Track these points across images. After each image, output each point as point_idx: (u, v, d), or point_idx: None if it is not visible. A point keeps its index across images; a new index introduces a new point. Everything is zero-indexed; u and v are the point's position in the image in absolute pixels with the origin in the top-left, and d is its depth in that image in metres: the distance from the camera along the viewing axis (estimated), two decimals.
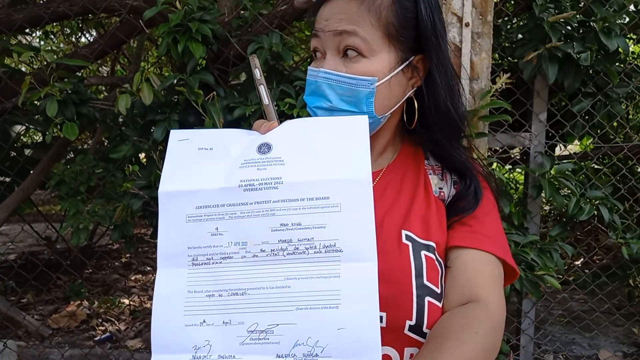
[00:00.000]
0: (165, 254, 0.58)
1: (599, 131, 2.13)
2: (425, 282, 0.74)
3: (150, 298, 3.62)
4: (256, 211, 0.56)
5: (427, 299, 0.73)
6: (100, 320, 3.18)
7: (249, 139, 0.61)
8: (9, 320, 2.48)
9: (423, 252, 0.75)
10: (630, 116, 3.80)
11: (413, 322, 0.72)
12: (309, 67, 0.80)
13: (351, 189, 0.55)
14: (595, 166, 2.79)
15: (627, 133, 2.94)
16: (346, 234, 0.53)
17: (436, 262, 0.76)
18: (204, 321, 0.53)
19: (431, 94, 0.82)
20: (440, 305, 0.74)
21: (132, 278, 4.03)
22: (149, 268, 4.27)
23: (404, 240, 0.76)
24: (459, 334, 0.67)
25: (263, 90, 0.69)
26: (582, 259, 3.15)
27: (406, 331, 0.72)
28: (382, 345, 0.74)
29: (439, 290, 0.75)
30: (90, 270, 4.08)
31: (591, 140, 2.57)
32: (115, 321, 3.17)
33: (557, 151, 2.74)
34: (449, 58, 0.83)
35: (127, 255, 4.64)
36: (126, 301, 3.45)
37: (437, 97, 0.81)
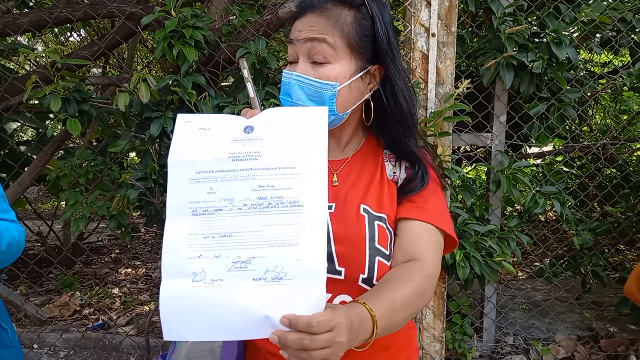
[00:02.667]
0: (173, 207, 0.74)
1: (565, 132, 2.34)
2: (377, 245, 0.93)
3: (141, 290, 3.77)
4: (241, 176, 0.73)
5: (377, 258, 0.92)
6: (92, 309, 3.32)
7: (238, 122, 0.79)
8: (9, 304, 2.63)
9: (376, 222, 0.95)
10: (598, 119, 4.08)
11: (365, 276, 0.91)
12: (284, 71, 0.98)
13: (311, 161, 0.74)
14: (565, 168, 3.03)
15: (595, 134, 3.20)
16: (306, 194, 0.72)
17: (386, 230, 0.96)
18: (200, 255, 0.71)
19: (386, 96, 1.00)
20: (388, 264, 0.94)
21: (122, 272, 4.17)
22: (138, 262, 4.41)
23: (361, 212, 0.95)
24: (397, 280, 0.87)
25: (250, 86, 0.88)
26: (547, 251, 3.37)
27: (359, 283, 0.92)
28: (340, 293, 0.93)
29: (387, 252, 0.94)
30: (80, 266, 4.21)
31: (564, 141, 2.80)
32: (107, 311, 3.32)
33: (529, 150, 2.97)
34: (402, 66, 1.02)
35: (117, 251, 4.78)
36: (117, 292, 3.59)
37: (392, 98, 1.00)
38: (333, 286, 0.90)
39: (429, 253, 0.94)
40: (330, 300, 0.92)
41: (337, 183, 1.01)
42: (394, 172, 1.04)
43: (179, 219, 0.73)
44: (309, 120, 0.78)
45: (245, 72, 0.88)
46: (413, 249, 0.93)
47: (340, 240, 0.92)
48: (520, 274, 3.73)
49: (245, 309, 0.68)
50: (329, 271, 0.90)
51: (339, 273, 0.91)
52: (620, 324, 2.73)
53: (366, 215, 0.95)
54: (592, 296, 2.92)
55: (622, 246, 3.28)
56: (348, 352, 0.78)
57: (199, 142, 0.77)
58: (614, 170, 2.91)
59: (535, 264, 3.43)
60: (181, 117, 0.80)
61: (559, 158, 3.18)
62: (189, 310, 0.70)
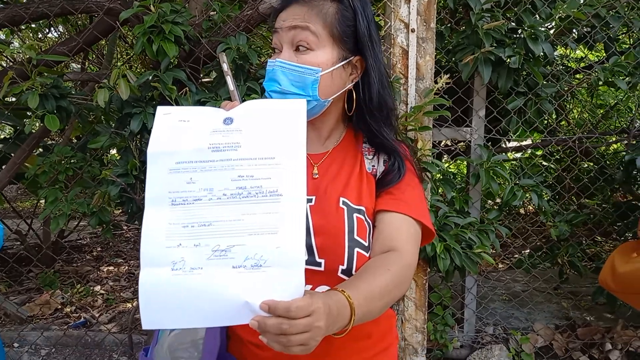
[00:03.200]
0: (152, 197, 0.75)
1: (542, 126, 2.39)
2: (356, 236, 0.94)
3: (123, 287, 3.75)
4: (220, 166, 0.74)
5: (356, 249, 0.94)
6: (74, 307, 3.29)
7: (217, 114, 0.79)
8: None
9: (355, 214, 0.97)
10: (575, 113, 4.16)
11: (344, 267, 0.92)
12: (268, 60, 1.00)
13: (290, 151, 0.75)
14: (544, 162, 3.09)
15: (573, 127, 3.26)
16: (285, 183, 0.73)
17: (365, 222, 0.98)
18: (180, 244, 0.71)
19: (366, 88, 1.02)
20: (367, 255, 0.95)
21: (104, 270, 4.14)
22: (120, 260, 4.37)
23: (340, 204, 0.97)
24: (375, 270, 0.89)
25: (229, 79, 0.90)
26: (525, 243, 3.44)
27: (339, 274, 0.93)
28: (320, 284, 0.95)
29: (366, 244, 0.95)
30: (61, 264, 4.17)
31: (542, 135, 2.86)
32: (89, 308, 3.29)
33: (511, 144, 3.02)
34: (382, 60, 1.04)
35: (99, 249, 4.74)
36: (100, 290, 3.56)
37: (372, 90, 1.02)
38: (313, 277, 0.92)
39: (406, 244, 0.96)
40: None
41: (317, 176, 1.02)
42: (373, 166, 1.06)
43: (158, 208, 0.74)
44: (288, 112, 0.79)
45: (225, 66, 0.89)
46: (391, 241, 0.95)
47: (319, 232, 0.94)
48: (500, 265, 3.80)
49: (225, 296, 0.69)
50: (309, 263, 0.92)
51: (319, 264, 0.93)
52: (597, 312, 2.81)
53: (345, 208, 0.97)
54: (569, 286, 2.99)
55: (599, 237, 3.36)
56: (330, 340, 0.80)
57: (178, 133, 0.77)
58: (591, 164, 2.97)
59: (515, 255, 3.50)
60: (161, 109, 0.81)
61: (539, 152, 3.25)
62: (169, 298, 0.71)
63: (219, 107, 0.84)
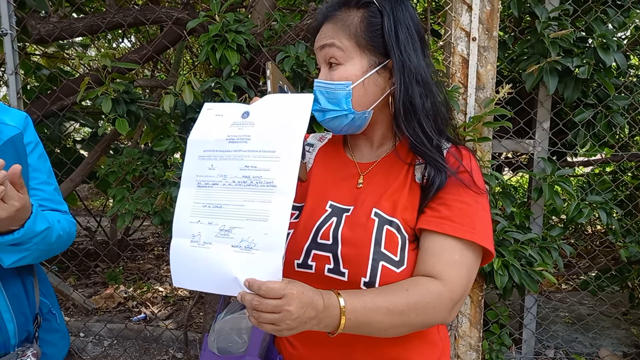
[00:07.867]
0: (185, 178, 0.86)
1: (613, 140, 2.25)
2: (383, 249, 0.90)
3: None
4: (233, 156, 0.83)
5: (382, 263, 0.90)
6: (135, 302, 3.45)
7: (241, 108, 0.88)
8: (59, 293, 2.77)
9: (386, 227, 0.92)
10: None
11: (367, 279, 0.90)
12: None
13: (288, 145, 0.81)
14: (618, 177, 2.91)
15: None
16: (280, 176, 0.80)
17: (397, 235, 0.92)
18: (199, 221, 0.83)
19: (401, 91, 0.94)
20: (398, 270, 0.90)
21: (165, 268, 4.31)
22: None
23: (372, 216, 0.94)
24: (391, 287, 0.87)
25: (269, 82, 0.95)
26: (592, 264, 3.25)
27: (361, 286, 0.90)
28: None
29: (397, 258, 0.91)
30: (126, 261, 4.39)
31: (613, 150, 2.70)
32: (150, 304, 3.44)
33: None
34: (410, 63, 0.95)
35: (160, 248, 4.95)
36: (160, 288, 3.72)
37: (404, 93, 0.94)
38: (337, 287, 0.89)
39: (448, 270, 0.89)
40: None
41: (361, 185, 1.00)
42: (423, 175, 0.97)
43: (188, 189, 0.85)
44: (293, 107, 0.85)
45: (268, 72, 0.94)
46: (428, 267, 0.90)
47: (347, 243, 0.93)
48: (564, 286, 3.60)
49: (223, 269, 0.79)
50: (333, 271, 0.93)
51: (343, 274, 0.92)
52: None
53: (377, 220, 0.93)
54: None
55: None
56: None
57: (211, 125, 0.88)
58: None
59: (580, 276, 3.30)
60: (206, 105, 0.92)
61: (610, 168, 3.06)
62: (188, 264, 0.83)
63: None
